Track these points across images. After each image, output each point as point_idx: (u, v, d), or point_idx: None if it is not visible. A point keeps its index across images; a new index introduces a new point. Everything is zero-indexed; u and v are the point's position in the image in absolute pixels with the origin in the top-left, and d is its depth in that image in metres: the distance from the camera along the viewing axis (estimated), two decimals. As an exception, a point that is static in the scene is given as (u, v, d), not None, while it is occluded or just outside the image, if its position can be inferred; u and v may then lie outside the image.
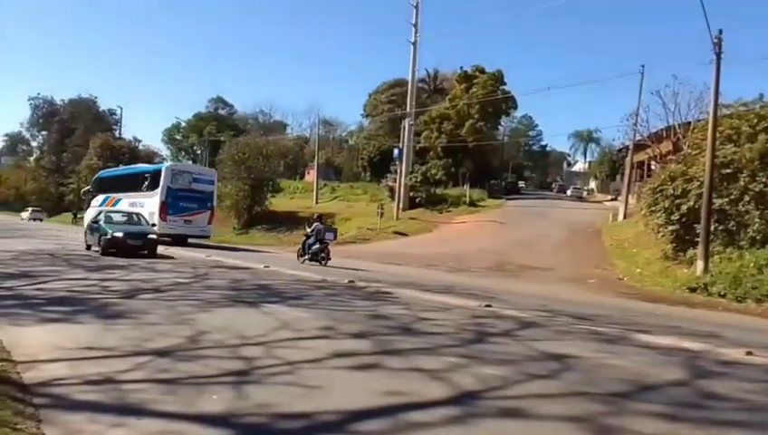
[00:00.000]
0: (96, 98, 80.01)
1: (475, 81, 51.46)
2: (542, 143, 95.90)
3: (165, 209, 25.65)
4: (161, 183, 26.35)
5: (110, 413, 3.95)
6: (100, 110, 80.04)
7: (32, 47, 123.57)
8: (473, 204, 45.25)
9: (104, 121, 77.40)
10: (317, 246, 19.36)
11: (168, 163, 29.16)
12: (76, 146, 70.41)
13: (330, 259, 19.26)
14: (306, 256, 19.68)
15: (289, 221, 43.58)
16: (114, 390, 4.49)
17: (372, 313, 9.16)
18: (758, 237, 17.51)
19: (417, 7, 42.17)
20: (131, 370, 5.07)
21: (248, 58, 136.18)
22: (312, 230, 19.74)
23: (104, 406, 4.11)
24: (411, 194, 43.75)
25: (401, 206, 41.24)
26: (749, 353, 7.25)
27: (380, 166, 54.13)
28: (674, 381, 5.78)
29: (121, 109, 79.37)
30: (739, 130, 19.35)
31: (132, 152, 65.58)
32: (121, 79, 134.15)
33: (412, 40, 42.52)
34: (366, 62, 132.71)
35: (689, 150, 22.63)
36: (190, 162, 34.36)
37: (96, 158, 61.77)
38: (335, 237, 21.41)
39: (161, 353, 5.70)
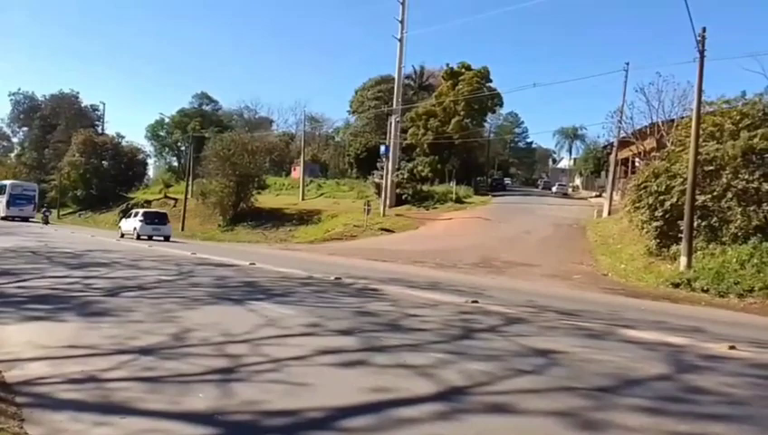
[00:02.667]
0: (78, 93, 78.88)
1: (460, 77, 51.58)
2: (528, 140, 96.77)
3: (8, 204, 50.75)
4: (6, 191, 51.50)
5: (94, 412, 3.90)
6: (83, 105, 78.89)
7: (11, 42, 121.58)
8: (459, 201, 45.38)
9: (86, 117, 76.38)
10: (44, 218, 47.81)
11: (10, 181, 55.25)
12: (58, 142, 69.45)
13: (49, 223, 46.91)
14: (41, 223, 45.10)
15: (275, 218, 43.44)
16: (98, 388, 4.44)
17: (359, 309, 9.15)
18: (740, 233, 17.74)
19: (403, 4, 42.13)
20: (115, 368, 5.01)
21: (233, 53, 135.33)
22: (43, 212, 50.00)
23: (87, 405, 4.05)
24: (398, 191, 43.75)
25: (388, 202, 41.23)
26: (732, 348, 7.34)
27: (367, 162, 54.05)
28: (658, 375, 5.84)
29: (104, 104, 78.71)
30: (722, 128, 19.58)
31: (115, 148, 64.96)
32: (104, 74, 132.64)
33: (398, 36, 42.50)
34: (352, 58, 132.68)
35: (673, 147, 22.87)
36: (24, 182, 58.28)
37: (78, 154, 61.01)
38: (46, 214, 49.96)
39: (145, 351, 5.65)
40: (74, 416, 3.82)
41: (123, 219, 35.53)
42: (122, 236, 31.61)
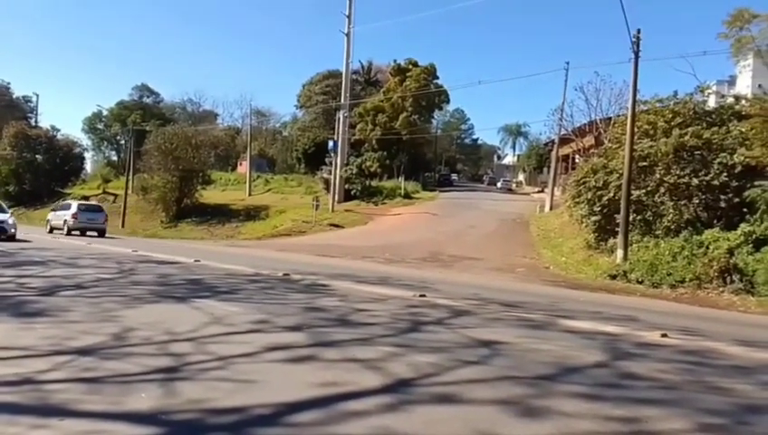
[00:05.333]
0: (9, 84, 75.14)
1: (408, 74, 51.95)
2: (474, 136, 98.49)
3: None
4: None
5: (31, 415, 3.75)
6: (14, 96, 75.17)
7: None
8: (407, 196, 45.73)
9: (19, 109, 72.78)
10: None
11: None
12: (-13, 135, 65.74)
13: None
14: None
15: (221, 213, 42.60)
16: (34, 390, 4.26)
17: (308, 305, 9.12)
18: (672, 227, 18.63)
19: (350, -2, 42.00)
20: (52, 369, 4.82)
21: (175, 45, 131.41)
22: None
23: (24, 407, 3.89)
24: (346, 186, 43.69)
25: (337, 198, 41.12)
26: (664, 335, 7.74)
27: (315, 158, 53.71)
28: (595, 363, 6.10)
29: (37, 96, 74.92)
30: (655, 126, 20.49)
31: (50, 142, 62.06)
32: (37, 65, 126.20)
33: (346, 31, 42.35)
34: (299, 52, 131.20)
35: (610, 144, 23.78)
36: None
37: (10, 148, 57.98)
38: None
39: (84, 352, 5.45)
40: (10, 419, 3.66)
41: None
42: None
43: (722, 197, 18.04)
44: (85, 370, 4.88)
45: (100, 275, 12.13)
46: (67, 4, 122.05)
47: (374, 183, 47.07)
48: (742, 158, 17.66)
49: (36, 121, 71.31)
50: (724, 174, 17.90)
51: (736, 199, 17.74)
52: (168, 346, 5.88)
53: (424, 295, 10.79)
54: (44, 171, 59.46)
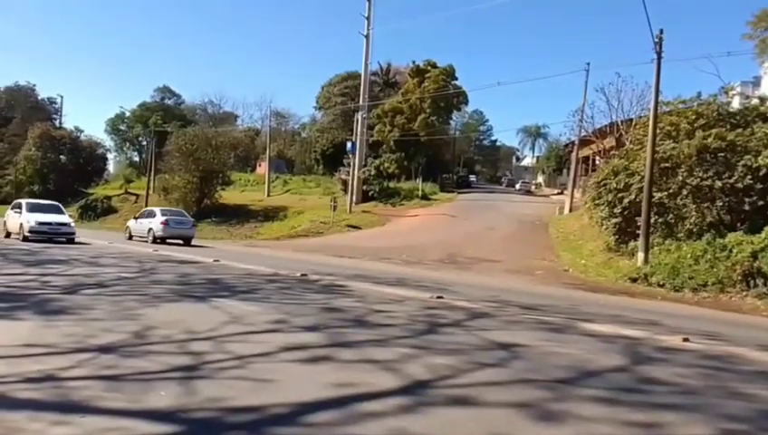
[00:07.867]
0: (35, 86, 76.77)
1: (426, 75, 51.83)
2: (493, 138, 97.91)
3: None
4: None
5: (53, 411, 3.82)
6: (39, 98, 76.72)
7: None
8: (425, 197, 45.63)
9: (44, 110, 74.24)
10: None
11: None
12: (13, 136, 67.10)
13: None
14: None
15: (240, 214, 42.93)
16: (56, 387, 4.34)
17: (325, 306, 9.15)
18: (695, 230, 18.33)
19: (369, 0, 42.10)
20: (74, 367, 4.90)
21: (196, 46, 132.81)
22: None
23: (46, 404, 3.96)
24: (364, 187, 43.75)
25: (354, 199, 41.18)
26: (685, 340, 7.62)
27: (333, 159, 53.94)
28: (615, 367, 6.03)
29: (62, 97, 76.58)
30: (678, 127, 20.18)
31: (74, 143, 63.21)
32: (62, 67, 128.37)
33: (365, 33, 42.44)
34: (319, 53, 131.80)
35: (631, 146, 23.47)
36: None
37: (35, 148, 59.20)
38: None
39: (105, 350, 5.54)
40: (32, 415, 3.73)
41: None
42: None
43: (746, 199, 17.71)
44: (106, 367, 4.95)
45: (122, 273, 12.32)
46: (92, 8, 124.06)
47: (392, 184, 47.06)
48: (767, 160, 17.32)
49: (61, 123, 72.84)
50: (749, 177, 17.56)
51: (761, 202, 17.41)
52: (187, 345, 5.95)
53: (441, 297, 10.77)
54: (68, 171, 60.56)
